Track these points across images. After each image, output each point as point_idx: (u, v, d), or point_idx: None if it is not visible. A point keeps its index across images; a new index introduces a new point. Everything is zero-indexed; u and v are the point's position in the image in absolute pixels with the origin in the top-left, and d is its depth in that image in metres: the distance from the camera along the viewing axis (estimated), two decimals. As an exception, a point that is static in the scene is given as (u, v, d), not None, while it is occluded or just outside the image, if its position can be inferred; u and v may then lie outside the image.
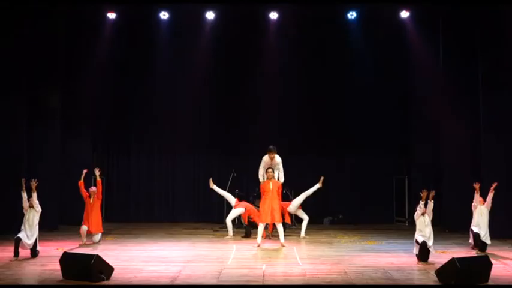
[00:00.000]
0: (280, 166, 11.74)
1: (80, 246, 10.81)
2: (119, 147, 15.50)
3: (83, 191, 11.29)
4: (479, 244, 10.10)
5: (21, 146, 12.59)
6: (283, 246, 10.72)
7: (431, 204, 9.21)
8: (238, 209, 12.38)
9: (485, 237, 10.14)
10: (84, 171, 11.42)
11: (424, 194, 9.16)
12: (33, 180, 9.76)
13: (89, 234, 11.19)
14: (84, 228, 11.09)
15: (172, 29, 14.61)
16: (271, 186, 10.94)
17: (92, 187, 11.43)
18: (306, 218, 12.24)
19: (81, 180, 11.30)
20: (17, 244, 9.40)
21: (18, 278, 7.85)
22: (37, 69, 12.98)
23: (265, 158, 11.82)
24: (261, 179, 11.74)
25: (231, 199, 12.58)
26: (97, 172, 11.69)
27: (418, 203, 9.28)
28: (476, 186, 10.36)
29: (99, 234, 11.34)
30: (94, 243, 11.12)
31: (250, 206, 12.48)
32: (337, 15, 14.43)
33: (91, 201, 11.28)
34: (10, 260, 9.19)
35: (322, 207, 14.67)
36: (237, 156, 15.02)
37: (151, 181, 15.43)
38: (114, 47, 14.39)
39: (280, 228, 10.93)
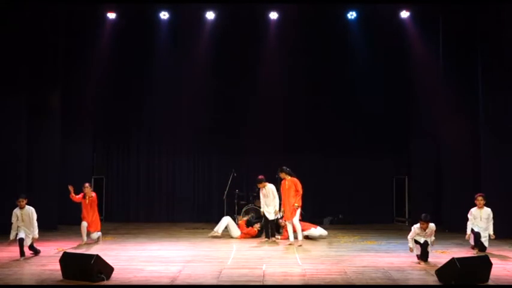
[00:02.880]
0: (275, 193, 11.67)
1: (79, 246, 10.79)
2: (119, 147, 15.51)
3: (77, 199, 11.20)
4: (479, 244, 10.10)
5: (21, 145, 12.59)
6: (291, 244, 10.81)
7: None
8: (236, 230, 12.29)
9: (485, 239, 10.12)
10: (71, 188, 11.18)
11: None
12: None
13: (88, 232, 11.18)
14: (84, 224, 11.06)
15: (172, 29, 14.61)
16: (286, 186, 11.19)
17: (86, 185, 11.29)
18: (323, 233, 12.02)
19: (72, 194, 11.16)
20: (21, 244, 9.44)
21: (18, 278, 7.86)
22: (37, 69, 12.99)
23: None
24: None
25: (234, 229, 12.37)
26: (88, 190, 11.35)
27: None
28: (480, 202, 10.24)
29: (98, 233, 11.32)
30: (93, 240, 11.12)
31: (246, 230, 12.29)
32: (337, 15, 14.43)
33: (87, 201, 11.23)
34: (18, 260, 9.24)
35: (322, 207, 14.68)
36: (237, 156, 15.02)
37: (151, 181, 15.44)
38: (114, 46, 14.37)
39: (289, 226, 11.09)
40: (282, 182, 11.33)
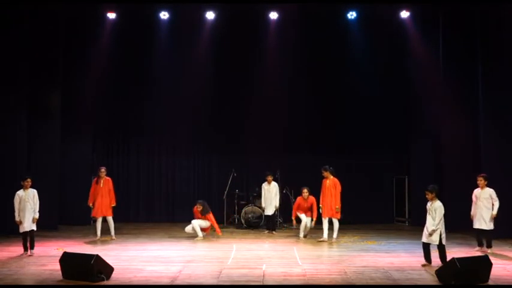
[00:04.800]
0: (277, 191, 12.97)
1: (95, 241, 11.22)
2: (119, 148, 15.51)
3: (92, 189, 11.65)
4: (482, 240, 10.21)
5: (21, 145, 12.58)
6: (323, 241, 11.46)
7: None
8: (203, 222, 12.26)
9: (488, 219, 10.16)
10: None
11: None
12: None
13: (103, 218, 11.59)
14: (99, 220, 11.54)
15: (172, 29, 14.61)
16: (327, 184, 11.71)
17: (102, 170, 11.69)
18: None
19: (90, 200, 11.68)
20: (25, 239, 9.67)
21: (18, 278, 7.85)
22: (37, 69, 12.98)
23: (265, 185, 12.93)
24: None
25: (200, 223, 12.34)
26: (103, 174, 11.78)
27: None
28: (479, 183, 10.34)
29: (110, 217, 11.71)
30: (110, 229, 11.63)
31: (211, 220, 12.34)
32: (337, 15, 14.43)
33: (101, 185, 11.51)
34: (21, 255, 9.48)
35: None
36: (237, 156, 15.02)
37: (151, 181, 15.45)
38: (114, 46, 14.37)
39: (325, 223, 11.70)
40: (324, 180, 11.80)
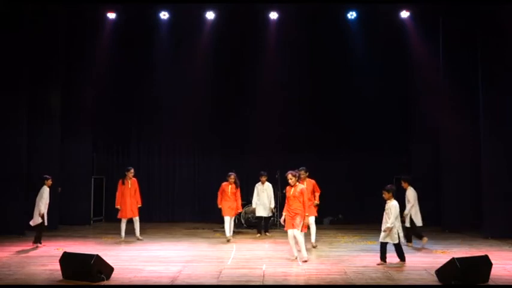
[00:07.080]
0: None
1: (119, 242, 11.39)
2: (119, 147, 15.52)
3: (118, 191, 11.74)
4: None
5: (21, 146, 12.58)
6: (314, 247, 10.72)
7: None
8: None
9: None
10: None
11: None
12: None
13: (129, 219, 11.72)
14: (124, 221, 11.67)
15: (172, 29, 14.63)
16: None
17: (132, 170, 11.74)
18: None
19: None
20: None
21: (18, 278, 7.85)
22: (37, 69, 13.00)
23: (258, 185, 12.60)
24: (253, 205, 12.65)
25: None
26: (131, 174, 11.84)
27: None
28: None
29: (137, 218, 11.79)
30: (136, 230, 11.76)
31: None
32: (337, 15, 14.43)
33: (129, 185, 11.64)
34: (37, 246, 10.02)
35: (322, 207, 14.64)
36: (237, 156, 15.02)
37: (151, 181, 15.45)
38: (114, 46, 14.39)
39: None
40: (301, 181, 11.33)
